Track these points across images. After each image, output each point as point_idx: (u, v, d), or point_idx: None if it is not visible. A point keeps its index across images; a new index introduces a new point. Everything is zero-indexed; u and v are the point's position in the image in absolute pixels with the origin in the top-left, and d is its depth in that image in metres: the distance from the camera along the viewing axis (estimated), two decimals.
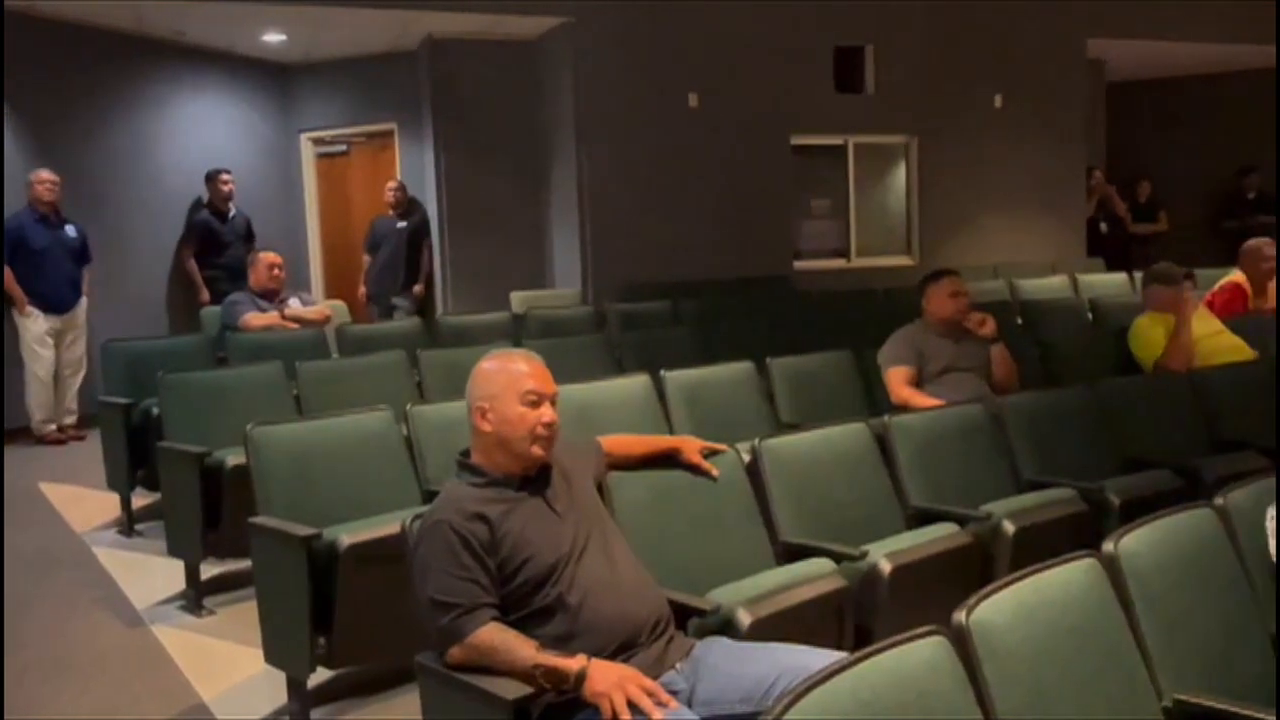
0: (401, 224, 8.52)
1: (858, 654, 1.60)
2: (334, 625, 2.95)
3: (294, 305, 6.02)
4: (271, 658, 3.17)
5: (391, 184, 8.63)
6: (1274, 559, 2.39)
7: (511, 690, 2.01)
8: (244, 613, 3.75)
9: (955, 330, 4.46)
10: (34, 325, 6.72)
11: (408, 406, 3.65)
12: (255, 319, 5.77)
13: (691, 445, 2.87)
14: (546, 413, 2.29)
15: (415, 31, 8.30)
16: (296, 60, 9.16)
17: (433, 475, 3.50)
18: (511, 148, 8.63)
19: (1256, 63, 11.00)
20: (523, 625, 2.13)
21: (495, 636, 2.07)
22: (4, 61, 6.75)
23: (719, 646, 2.23)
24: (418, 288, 8.58)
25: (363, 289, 8.58)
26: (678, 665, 2.17)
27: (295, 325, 5.85)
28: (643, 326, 6.46)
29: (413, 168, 9.04)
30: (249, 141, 9.02)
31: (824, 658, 2.09)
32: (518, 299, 7.62)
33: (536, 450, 2.28)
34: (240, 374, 4.65)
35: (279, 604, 3.12)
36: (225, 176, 7.96)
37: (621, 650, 2.13)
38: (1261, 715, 1.94)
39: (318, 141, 9.53)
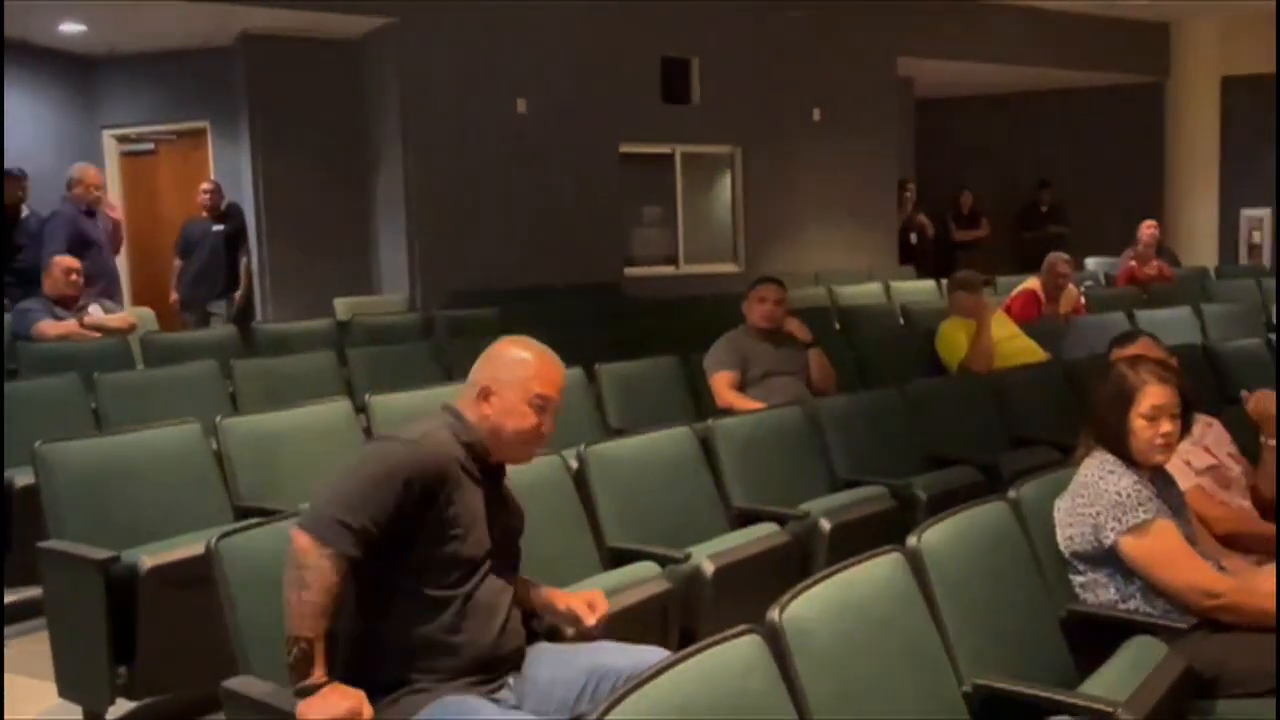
0: (217, 227, 8.11)
1: (674, 656, 1.63)
2: (135, 653, 2.79)
3: (94, 313, 5.66)
4: (66, 691, 2.97)
5: (205, 185, 8.20)
6: (1061, 547, 2.57)
7: None
8: (35, 644, 3.46)
9: (775, 335, 4.60)
10: None
11: (217, 419, 3.47)
12: (50, 328, 5.38)
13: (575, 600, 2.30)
14: (548, 422, 2.21)
15: (229, 27, 7.95)
16: (100, 53, 8.61)
17: (246, 492, 3.34)
18: (334, 149, 8.37)
19: (1048, 84, 11.85)
20: (408, 607, 2.03)
21: (329, 580, 1.93)
22: None
23: (540, 654, 2.22)
24: (238, 294, 8.20)
25: (174, 295, 8.13)
26: (510, 681, 2.15)
27: (96, 334, 5.50)
28: (472, 333, 6.36)
29: (227, 169, 8.64)
30: (44, 137, 8.39)
31: (635, 655, 2.11)
32: (342, 305, 7.39)
33: (517, 453, 2.22)
34: (31, 387, 4.31)
35: (74, 633, 2.92)
36: (18, 175, 7.38)
37: (474, 671, 2.08)
38: (1052, 694, 2.07)
39: (122, 139, 8.99)
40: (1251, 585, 2.43)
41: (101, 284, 6.49)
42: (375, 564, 2.01)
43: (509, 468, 2.30)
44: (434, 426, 2.16)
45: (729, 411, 4.17)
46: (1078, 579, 2.54)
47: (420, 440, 2.09)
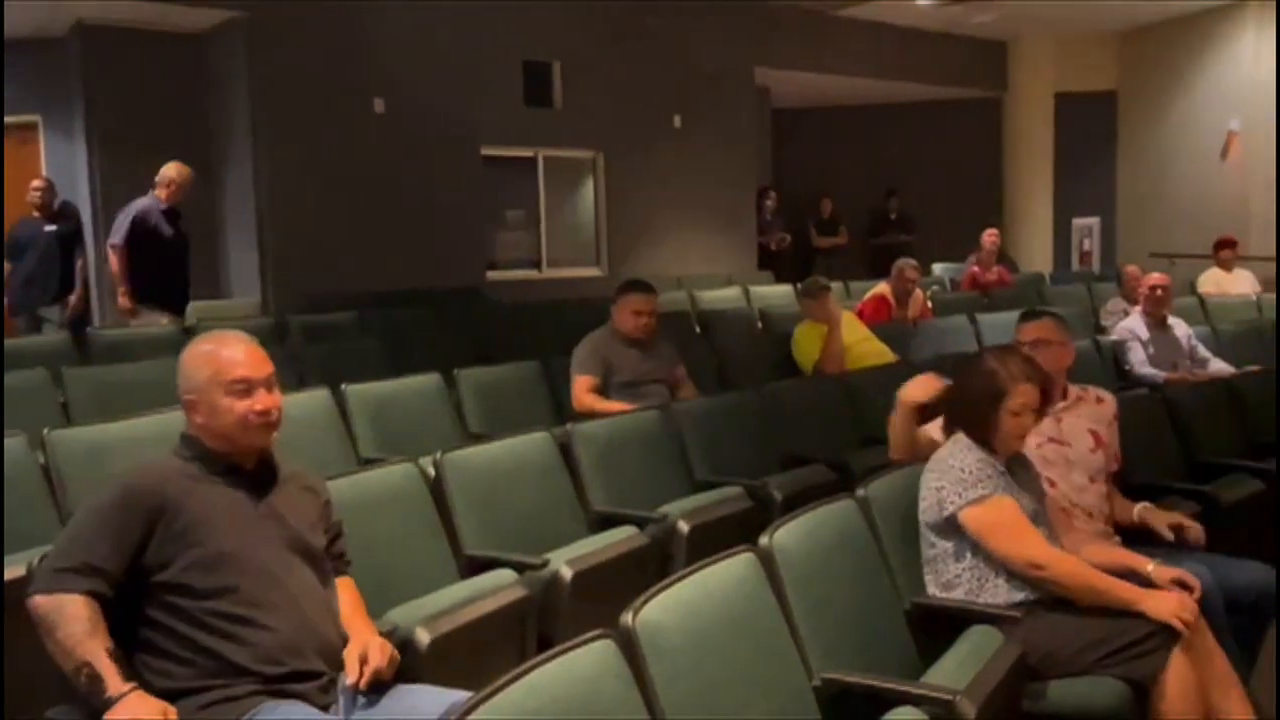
0: (50, 228, 7.64)
1: (525, 664, 1.61)
2: None
3: None
4: None
5: (36, 183, 7.71)
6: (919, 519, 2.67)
7: None
8: None
9: (641, 341, 4.59)
10: None
11: (46, 431, 3.26)
12: None
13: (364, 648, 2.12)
14: (260, 400, 2.15)
15: (63, 16, 7.52)
16: None
17: (75, 509, 3.14)
18: (178, 146, 7.92)
19: (896, 97, 12.33)
20: (184, 623, 2.00)
21: (75, 610, 1.93)
22: None
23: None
24: (72, 298, 7.75)
25: (4, 300, 7.63)
26: (330, 709, 2.08)
27: None
28: (328, 339, 6.18)
29: (61, 166, 8.16)
30: None
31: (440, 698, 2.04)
32: (188, 310, 7.06)
33: (251, 439, 2.16)
34: None
35: None
36: None
37: (286, 680, 2.02)
38: (896, 685, 2.15)
39: None
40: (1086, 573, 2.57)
41: (163, 283, 6.46)
42: (133, 600, 2.01)
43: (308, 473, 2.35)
44: (156, 455, 2.20)
45: (589, 415, 4.16)
46: (929, 551, 2.65)
47: (129, 471, 2.12)
